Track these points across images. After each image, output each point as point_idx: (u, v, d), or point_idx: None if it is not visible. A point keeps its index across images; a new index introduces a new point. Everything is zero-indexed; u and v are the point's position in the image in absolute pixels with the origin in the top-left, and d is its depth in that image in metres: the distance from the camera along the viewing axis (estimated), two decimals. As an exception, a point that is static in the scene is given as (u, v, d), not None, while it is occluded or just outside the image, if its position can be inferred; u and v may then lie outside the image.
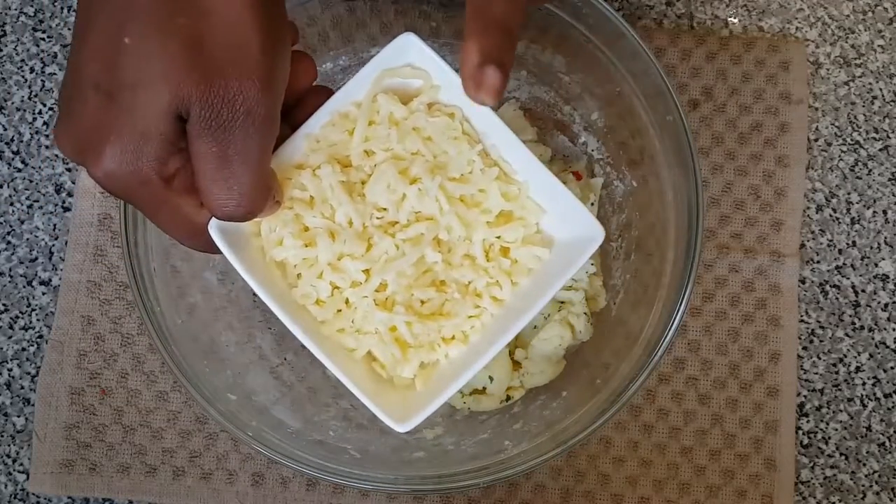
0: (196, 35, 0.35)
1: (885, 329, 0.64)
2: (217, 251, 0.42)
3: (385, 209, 0.44)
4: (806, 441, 0.63)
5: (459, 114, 0.45)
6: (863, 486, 0.62)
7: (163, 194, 0.38)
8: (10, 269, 0.64)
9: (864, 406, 0.63)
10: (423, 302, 0.44)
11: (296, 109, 0.44)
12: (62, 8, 0.67)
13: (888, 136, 0.66)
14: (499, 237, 0.45)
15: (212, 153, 0.36)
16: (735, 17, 0.68)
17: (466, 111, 0.45)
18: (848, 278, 0.65)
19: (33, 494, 0.62)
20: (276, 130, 0.38)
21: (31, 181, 0.66)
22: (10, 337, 0.64)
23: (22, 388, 0.63)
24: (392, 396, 0.44)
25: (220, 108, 0.35)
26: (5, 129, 0.66)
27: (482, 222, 0.45)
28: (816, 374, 0.63)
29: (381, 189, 0.44)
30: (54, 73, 0.67)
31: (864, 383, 0.64)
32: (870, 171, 0.66)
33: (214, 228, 0.41)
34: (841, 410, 0.63)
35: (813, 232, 0.65)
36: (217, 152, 0.36)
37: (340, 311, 0.44)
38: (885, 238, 0.65)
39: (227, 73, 0.35)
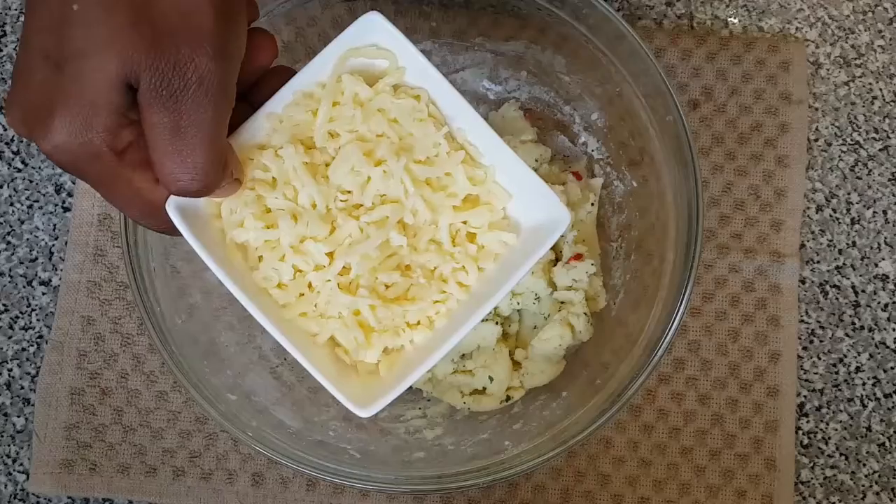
0: (145, 1, 0.34)
1: (885, 329, 0.64)
2: (175, 232, 0.41)
3: (349, 192, 0.43)
4: (806, 441, 0.63)
5: (426, 96, 0.44)
6: (863, 486, 0.62)
7: (115, 169, 0.37)
8: (10, 270, 0.64)
9: (864, 406, 0.63)
10: (387, 286, 0.44)
11: (256, 88, 0.43)
12: (62, 8, 0.67)
13: (888, 137, 0.66)
14: (465, 222, 0.45)
15: (163, 124, 0.35)
16: (735, 18, 0.68)
17: (433, 93, 0.44)
18: (848, 278, 0.65)
19: (33, 494, 0.62)
20: (230, 103, 0.37)
21: (30, 181, 0.66)
22: (10, 337, 0.64)
23: (22, 388, 0.63)
24: (355, 382, 0.43)
25: (170, 76, 0.34)
26: (5, 129, 0.66)
27: (448, 206, 0.44)
28: (816, 374, 0.63)
29: (346, 171, 0.43)
30: (54, 74, 0.67)
31: (864, 383, 0.64)
32: (870, 171, 0.66)
33: (172, 207, 0.40)
34: (841, 410, 0.63)
35: (813, 232, 0.65)
36: (169, 123, 0.35)
37: (303, 294, 0.43)
38: (885, 238, 0.65)
39: (177, 40, 0.34)
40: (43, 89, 0.35)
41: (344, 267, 0.43)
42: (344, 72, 0.43)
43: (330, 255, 0.43)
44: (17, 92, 0.36)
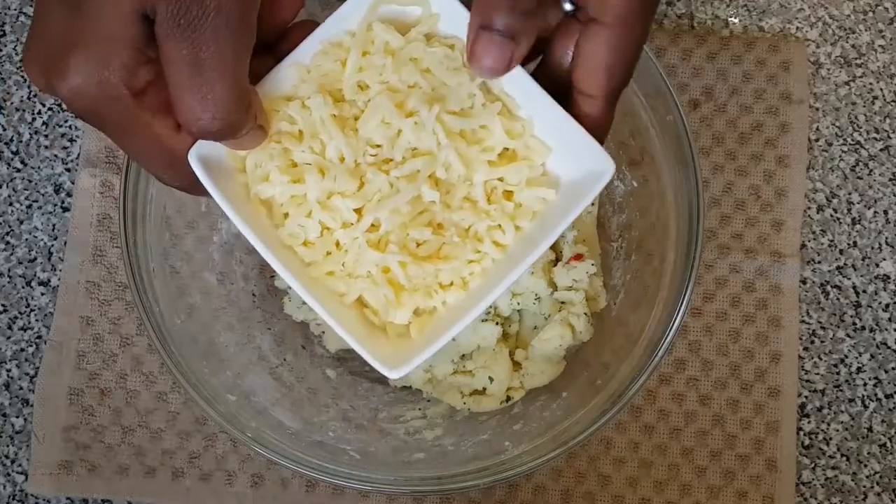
0: None
1: (886, 329, 0.64)
2: (200, 191, 0.40)
3: (379, 146, 0.41)
4: (807, 442, 0.63)
5: (460, 44, 0.41)
6: (864, 487, 0.62)
7: (134, 112, 0.35)
8: (9, 270, 0.64)
9: (866, 407, 0.63)
10: (418, 244, 0.41)
11: (280, 41, 0.42)
12: (61, 8, 0.67)
13: (889, 137, 0.66)
14: (501, 179, 0.42)
15: (182, 57, 0.34)
16: (735, 17, 0.68)
17: None
18: (849, 279, 0.65)
19: (32, 496, 0.61)
20: (251, 37, 0.36)
21: (30, 181, 0.65)
22: (8, 337, 0.64)
23: (20, 388, 0.63)
24: (384, 343, 0.41)
25: (188, 4, 0.33)
26: (5, 130, 0.66)
27: (483, 161, 0.41)
28: (817, 374, 0.63)
29: (376, 123, 0.41)
30: (53, 74, 0.67)
31: (865, 384, 0.63)
32: (870, 171, 0.66)
33: (194, 157, 0.39)
34: (842, 411, 0.63)
35: (814, 232, 0.65)
36: (188, 55, 0.33)
37: (330, 252, 0.41)
38: (886, 238, 0.65)
39: None
40: (59, 31, 0.34)
41: (373, 224, 0.41)
42: (374, 20, 0.41)
43: (358, 211, 0.41)
44: (34, 39, 0.35)
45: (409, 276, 0.41)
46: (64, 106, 0.66)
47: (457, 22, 0.40)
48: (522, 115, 0.42)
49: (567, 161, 0.43)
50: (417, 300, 0.42)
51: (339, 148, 0.41)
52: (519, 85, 0.41)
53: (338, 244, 0.42)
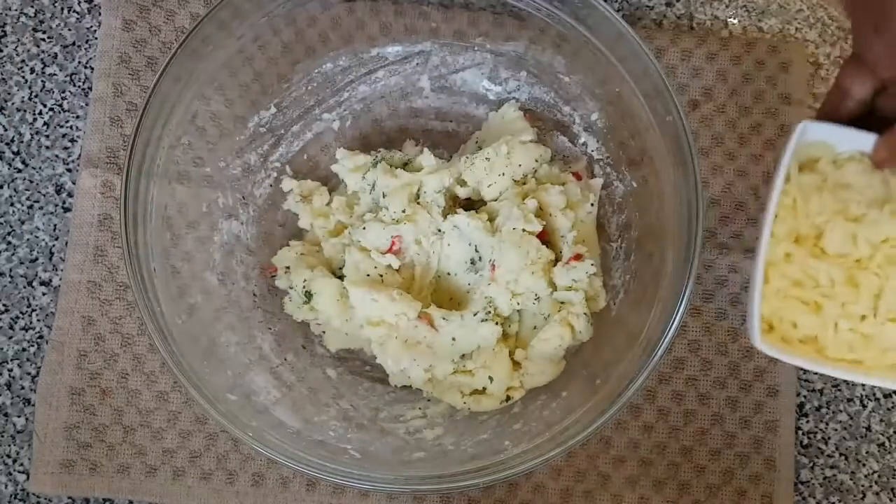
0: None
1: (884, 329, 0.64)
2: None
3: (843, 255, 0.51)
4: (806, 441, 0.63)
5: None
6: (862, 486, 0.62)
7: None
8: (11, 270, 0.64)
9: (864, 406, 0.63)
10: None
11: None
12: (62, 9, 0.67)
13: (888, 137, 0.66)
14: None
15: None
16: (735, 18, 0.68)
17: None
18: (848, 278, 0.65)
19: (33, 494, 0.62)
20: None
21: (31, 182, 0.66)
22: (10, 337, 0.64)
23: (22, 388, 0.63)
24: None
25: None
26: (6, 130, 0.66)
27: None
28: (816, 374, 0.63)
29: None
30: (54, 74, 0.67)
31: (863, 384, 0.64)
32: (869, 171, 0.66)
33: None
34: (840, 411, 0.63)
35: (813, 232, 0.65)
36: None
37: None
38: (885, 238, 0.65)
39: None
40: None
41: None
42: None
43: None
44: None
45: None
46: (65, 105, 0.66)
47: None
48: None
49: None
50: None
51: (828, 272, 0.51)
52: None
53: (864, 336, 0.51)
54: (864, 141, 0.50)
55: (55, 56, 0.67)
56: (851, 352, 0.51)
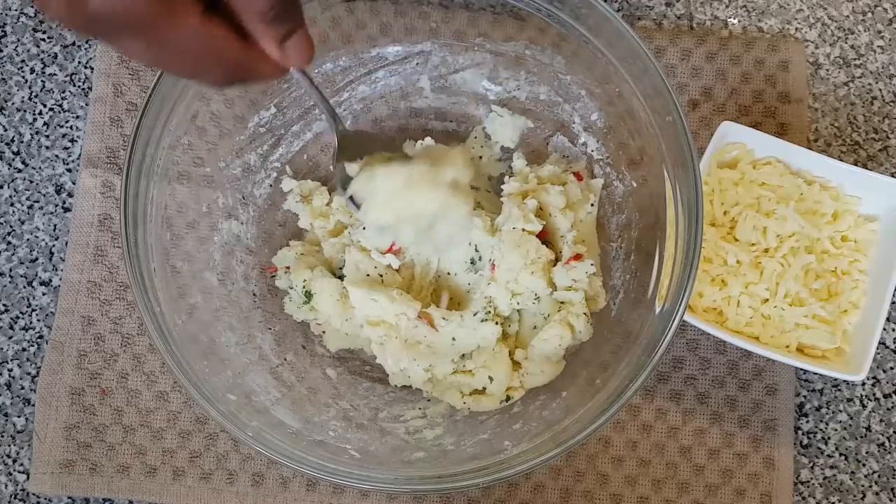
0: None
1: (884, 329, 0.64)
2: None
3: (755, 243, 0.60)
4: (806, 441, 0.63)
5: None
6: (862, 486, 0.62)
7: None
8: (11, 270, 0.64)
9: (864, 406, 0.63)
10: (817, 290, 0.59)
11: None
12: (62, 8, 0.67)
13: (888, 137, 0.67)
14: (838, 231, 0.61)
15: None
16: (735, 18, 0.68)
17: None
18: (847, 278, 0.65)
19: (33, 494, 0.62)
20: None
21: (31, 182, 0.66)
22: (10, 337, 0.64)
23: (22, 388, 0.63)
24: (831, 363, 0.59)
25: None
26: (6, 130, 0.66)
27: (823, 224, 0.60)
28: (816, 373, 0.63)
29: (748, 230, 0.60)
30: (54, 74, 0.67)
31: (863, 383, 0.64)
32: (869, 171, 0.66)
33: None
34: (840, 410, 0.63)
35: (812, 232, 0.65)
36: None
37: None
38: (885, 238, 0.65)
39: None
40: None
41: (786, 293, 0.59)
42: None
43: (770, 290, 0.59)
44: None
45: (828, 314, 0.58)
46: (65, 105, 0.66)
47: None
48: (833, 184, 0.61)
49: (872, 200, 0.61)
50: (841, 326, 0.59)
51: (736, 254, 0.59)
52: (823, 168, 0.60)
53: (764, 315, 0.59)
54: (780, 147, 0.60)
55: (55, 56, 0.67)
56: (749, 327, 0.59)
